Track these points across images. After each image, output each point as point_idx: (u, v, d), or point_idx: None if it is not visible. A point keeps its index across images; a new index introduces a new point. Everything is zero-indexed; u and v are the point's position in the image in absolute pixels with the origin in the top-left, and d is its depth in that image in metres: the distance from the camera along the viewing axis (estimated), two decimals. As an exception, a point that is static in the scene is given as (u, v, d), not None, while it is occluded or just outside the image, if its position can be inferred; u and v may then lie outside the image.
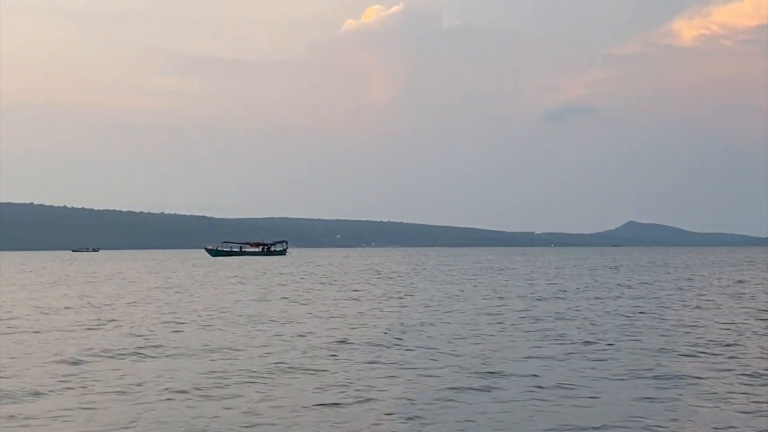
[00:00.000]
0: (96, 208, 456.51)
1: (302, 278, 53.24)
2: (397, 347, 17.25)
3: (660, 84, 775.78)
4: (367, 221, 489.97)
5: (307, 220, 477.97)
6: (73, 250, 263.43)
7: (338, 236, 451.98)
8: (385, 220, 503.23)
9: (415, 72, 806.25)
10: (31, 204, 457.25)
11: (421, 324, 21.99)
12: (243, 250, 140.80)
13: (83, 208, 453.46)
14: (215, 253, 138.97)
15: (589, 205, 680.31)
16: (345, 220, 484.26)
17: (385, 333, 19.98)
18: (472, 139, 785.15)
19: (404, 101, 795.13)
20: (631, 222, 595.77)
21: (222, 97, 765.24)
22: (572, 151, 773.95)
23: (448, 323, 22.42)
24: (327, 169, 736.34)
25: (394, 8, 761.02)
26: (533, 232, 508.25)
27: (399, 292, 37.06)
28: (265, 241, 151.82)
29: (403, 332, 20.04)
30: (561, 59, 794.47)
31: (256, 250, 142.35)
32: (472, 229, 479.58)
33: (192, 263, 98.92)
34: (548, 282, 46.48)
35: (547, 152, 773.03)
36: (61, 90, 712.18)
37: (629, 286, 41.37)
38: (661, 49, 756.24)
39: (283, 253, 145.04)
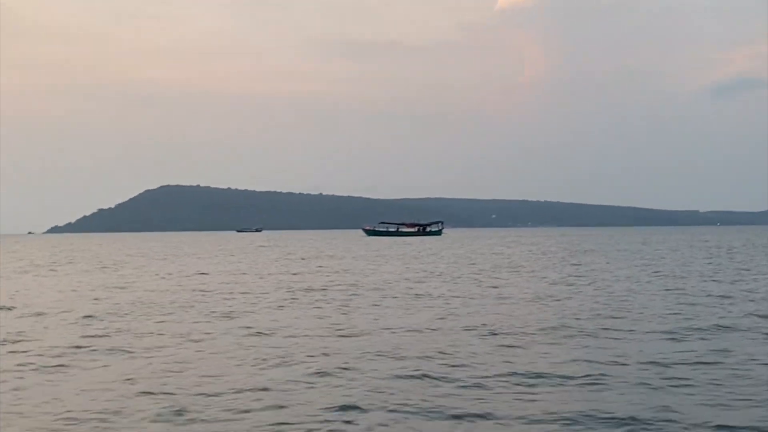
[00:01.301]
0: (258, 190, 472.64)
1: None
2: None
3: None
4: (523, 201, 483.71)
5: (463, 200, 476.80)
6: (238, 230, 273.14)
7: (494, 216, 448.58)
8: (542, 199, 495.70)
9: (570, 49, 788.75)
10: (198, 186, 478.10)
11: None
12: (399, 230, 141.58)
13: (246, 190, 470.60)
14: (372, 233, 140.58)
15: (757, 182, 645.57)
16: (501, 200, 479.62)
17: None
18: (631, 115, 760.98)
19: (560, 79, 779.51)
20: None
21: (378, 80, 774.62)
22: (739, 126, 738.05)
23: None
24: (482, 148, 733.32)
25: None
26: (697, 211, 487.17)
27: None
28: (420, 221, 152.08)
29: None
30: (725, 33, 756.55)
31: (412, 230, 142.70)
32: (632, 207, 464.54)
33: (359, 242, 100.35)
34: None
35: (711, 128, 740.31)
36: (222, 78, 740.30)
37: None
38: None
39: (438, 233, 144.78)
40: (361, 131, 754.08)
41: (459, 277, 33.38)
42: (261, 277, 35.09)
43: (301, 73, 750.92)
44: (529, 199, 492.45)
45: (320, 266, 44.38)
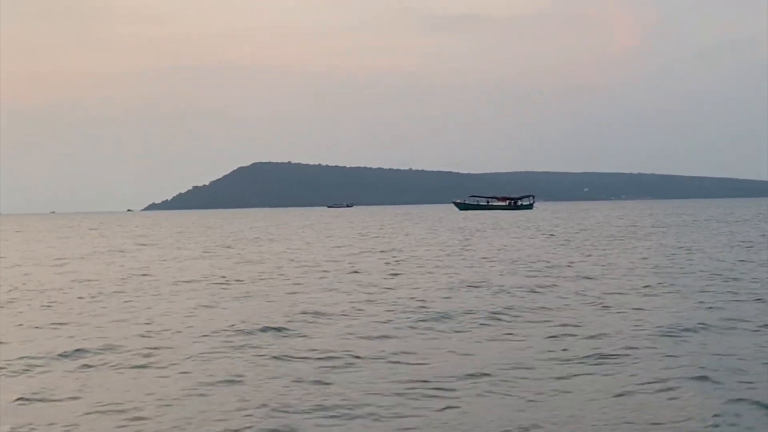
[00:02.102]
0: (348, 166, 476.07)
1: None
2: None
3: None
4: (615, 173, 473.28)
5: (554, 173, 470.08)
6: (328, 206, 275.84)
7: (586, 189, 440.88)
8: (635, 171, 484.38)
9: (664, 17, 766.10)
10: (289, 163, 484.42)
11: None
12: (490, 204, 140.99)
13: (336, 166, 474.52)
14: (463, 207, 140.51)
15: None
16: (593, 173, 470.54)
17: None
18: (731, 85, 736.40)
19: (653, 48, 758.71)
20: None
21: (467, 54, 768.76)
22: None
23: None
24: (573, 120, 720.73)
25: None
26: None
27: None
28: (511, 195, 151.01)
29: None
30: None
31: (503, 204, 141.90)
32: (730, 179, 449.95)
33: (453, 216, 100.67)
34: None
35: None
36: (312, 55, 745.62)
37: None
38: None
39: (530, 207, 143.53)
40: (450, 106, 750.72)
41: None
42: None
43: (390, 48, 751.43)
44: (623, 171, 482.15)
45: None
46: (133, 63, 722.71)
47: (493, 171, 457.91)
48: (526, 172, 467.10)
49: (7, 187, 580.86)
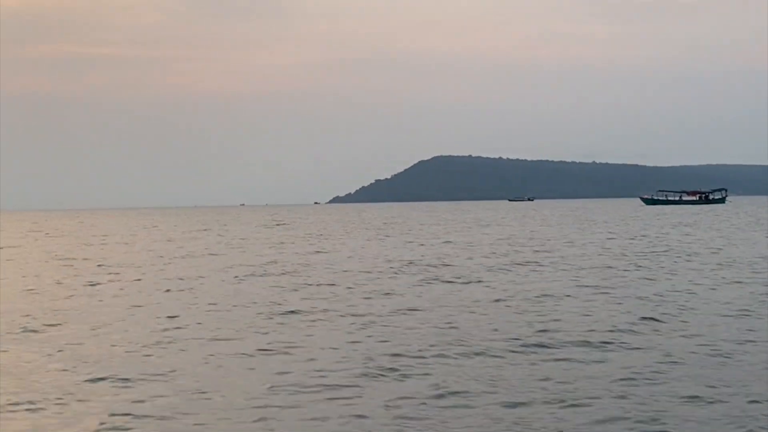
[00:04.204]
0: (529, 159, 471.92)
1: None
2: None
3: None
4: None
5: (748, 166, 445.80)
6: (510, 200, 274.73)
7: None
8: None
9: None
10: (469, 156, 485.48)
11: None
12: (681, 198, 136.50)
13: (517, 159, 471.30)
14: (650, 201, 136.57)
15: None
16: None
17: None
18: None
19: None
20: None
21: (647, 40, 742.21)
22: None
23: None
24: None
25: None
26: None
27: None
28: (702, 189, 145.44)
29: None
30: None
31: (694, 198, 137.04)
32: None
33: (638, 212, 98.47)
34: None
35: None
36: (494, 45, 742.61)
37: None
38: None
39: (722, 201, 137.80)
40: (634, 95, 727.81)
41: None
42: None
43: (564, 35, 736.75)
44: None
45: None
46: (319, 56, 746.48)
47: (683, 164, 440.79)
48: (718, 164, 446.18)
49: (200, 179, 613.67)
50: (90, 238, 56.52)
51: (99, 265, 29.42)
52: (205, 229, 68.09)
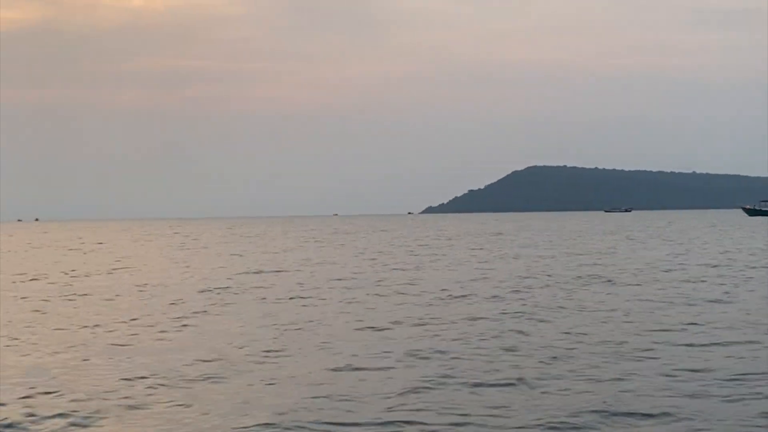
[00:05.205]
0: (626, 169, 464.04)
1: None
2: None
3: None
4: None
5: None
6: (606, 211, 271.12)
7: None
8: None
9: None
10: (564, 166, 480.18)
11: None
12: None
13: (614, 170, 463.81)
14: (753, 212, 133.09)
15: None
16: None
17: None
18: None
19: None
20: None
21: (746, 50, 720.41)
22: None
23: None
24: None
25: None
26: None
27: None
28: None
29: None
30: None
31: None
32: None
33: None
34: None
35: None
36: (587, 54, 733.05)
37: None
38: None
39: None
40: (734, 105, 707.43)
41: None
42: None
43: (662, 46, 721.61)
44: None
45: None
46: (412, 67, 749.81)
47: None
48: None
49: (294, 189, 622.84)
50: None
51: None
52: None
